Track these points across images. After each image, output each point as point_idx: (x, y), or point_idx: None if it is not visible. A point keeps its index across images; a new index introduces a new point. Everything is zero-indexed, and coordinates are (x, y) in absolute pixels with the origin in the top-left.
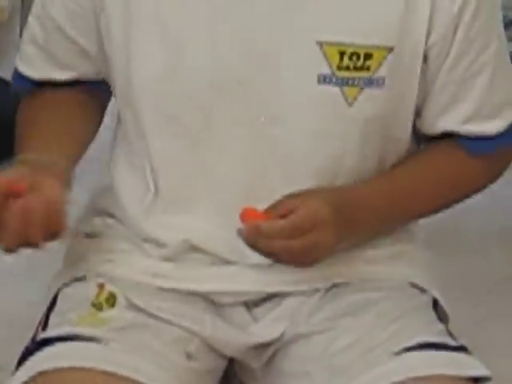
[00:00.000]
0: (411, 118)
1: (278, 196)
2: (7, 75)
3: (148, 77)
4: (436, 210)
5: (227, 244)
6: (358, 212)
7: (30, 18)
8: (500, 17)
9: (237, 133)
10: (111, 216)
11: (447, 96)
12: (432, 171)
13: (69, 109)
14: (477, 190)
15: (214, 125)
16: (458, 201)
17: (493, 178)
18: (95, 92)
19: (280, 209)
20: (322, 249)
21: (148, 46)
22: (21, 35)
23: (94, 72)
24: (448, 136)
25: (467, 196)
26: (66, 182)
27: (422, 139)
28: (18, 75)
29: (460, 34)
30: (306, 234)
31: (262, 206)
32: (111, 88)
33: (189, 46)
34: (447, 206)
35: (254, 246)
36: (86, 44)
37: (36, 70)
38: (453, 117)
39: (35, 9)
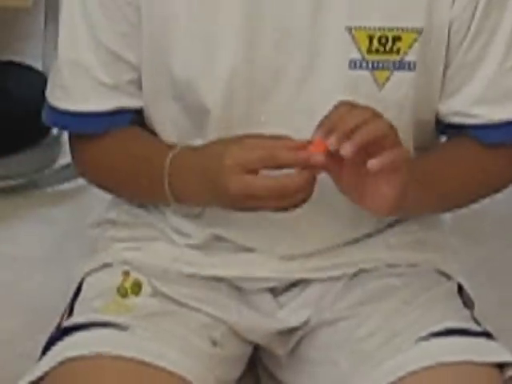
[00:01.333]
0: (437, 98)
1: None
2: (33, 62)
3: (186, 72)
4: (460, 200)
5: (250, 233)
6: None
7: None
8: None
9: (272, 124)
10: (138, 205)
11: (460, 78)
12: (450, 159)
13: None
14: (504, 183)
15: (249, 118)
16: (482, 192)
17: None
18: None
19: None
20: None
21: (184, 41)
22: (45, 22)
23: None
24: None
25: (494, 189)
26: None
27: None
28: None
29: (479, 11)
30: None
31: None
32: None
33: (223, 38)
34: (472, 195)
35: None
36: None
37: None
38: (461, 98)
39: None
